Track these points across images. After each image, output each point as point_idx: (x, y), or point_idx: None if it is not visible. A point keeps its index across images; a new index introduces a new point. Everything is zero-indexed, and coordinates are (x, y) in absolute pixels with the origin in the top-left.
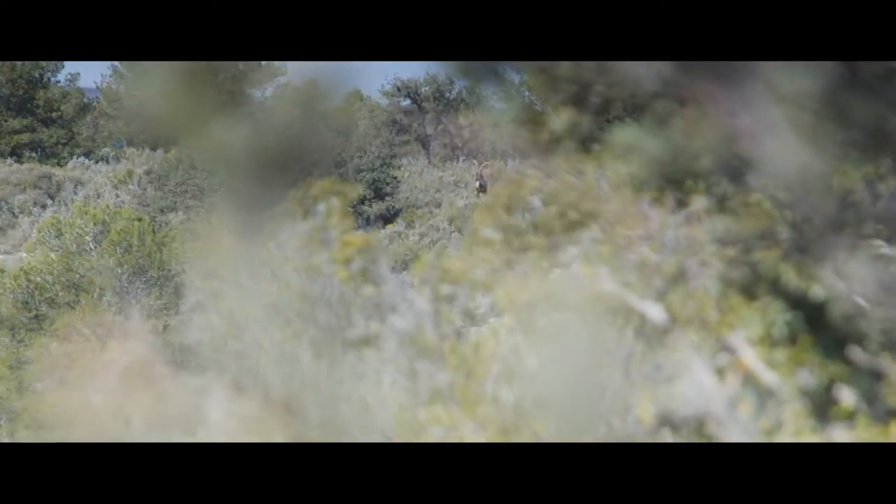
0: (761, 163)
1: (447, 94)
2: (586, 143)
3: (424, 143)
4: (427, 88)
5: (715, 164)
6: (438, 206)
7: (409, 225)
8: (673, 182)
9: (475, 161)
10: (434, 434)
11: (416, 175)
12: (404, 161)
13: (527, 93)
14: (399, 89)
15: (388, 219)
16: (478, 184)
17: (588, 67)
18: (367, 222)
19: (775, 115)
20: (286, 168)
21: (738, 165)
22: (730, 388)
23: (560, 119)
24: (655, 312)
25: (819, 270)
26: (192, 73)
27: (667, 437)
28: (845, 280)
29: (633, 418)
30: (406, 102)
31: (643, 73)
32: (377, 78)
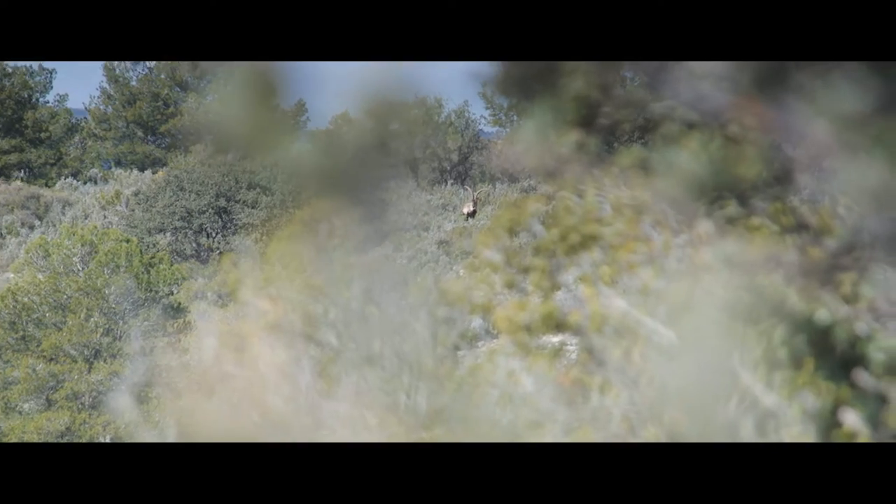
0: (799, 179)
1: (436, 118)
2: (593, 165)
3: (412, 166)
4: (416, 111)
5: (729, 184)
6: (426, 229)
7: (398, 248)
8: (682, 203)
9: (467, 187)
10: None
11: (403, 198)
12: (392, 184)
13: (515, 117)
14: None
15: (375, 242)
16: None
17: (594, 89)
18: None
19: (823, 132)
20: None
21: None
22: (728, 412)
23: (566, 140)
24: (665, 335)
25: (824, 294)
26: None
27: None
28: (852, 303)
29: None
30: (394, 125)
31: (651, 97)
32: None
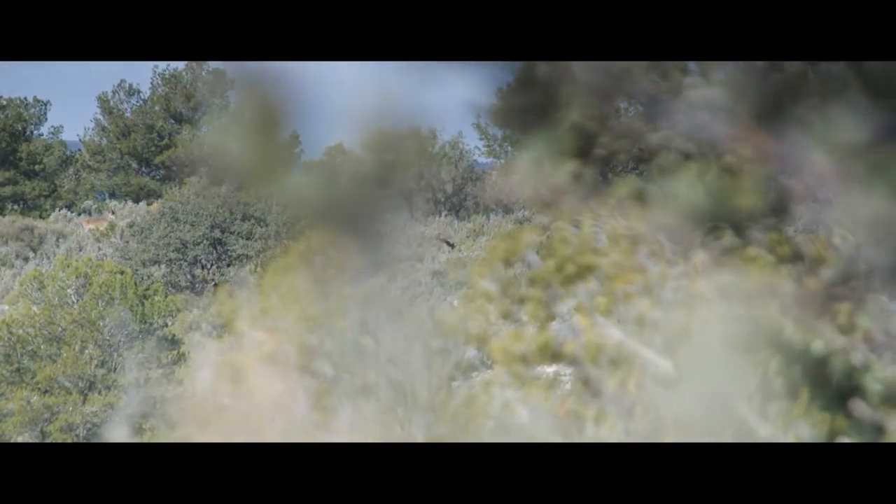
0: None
1: (430, 149)
2: (589, 196)
3: (407, 197)
4: (410, 142)
5: (725, 215)
6: (421, 260)
7: (392, 279)
8: (679, 233)
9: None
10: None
11: (398, 229)
12: (387, 215)
13: (509, 148)
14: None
15: (370, 272)
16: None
17: (590, 120)
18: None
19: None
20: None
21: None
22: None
23: (562, 171)
24: (661, 365)
25: (820, 324)
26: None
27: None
28: (849, 334)
29: None
30: (389, 157)
31: (648, 127)
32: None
